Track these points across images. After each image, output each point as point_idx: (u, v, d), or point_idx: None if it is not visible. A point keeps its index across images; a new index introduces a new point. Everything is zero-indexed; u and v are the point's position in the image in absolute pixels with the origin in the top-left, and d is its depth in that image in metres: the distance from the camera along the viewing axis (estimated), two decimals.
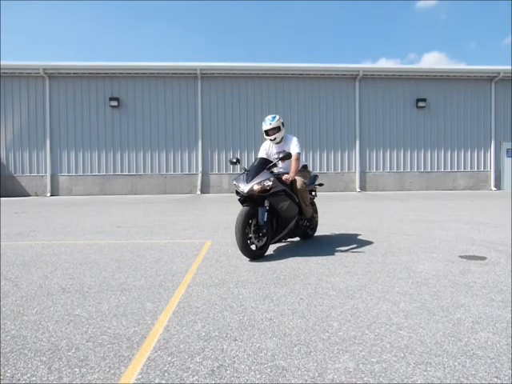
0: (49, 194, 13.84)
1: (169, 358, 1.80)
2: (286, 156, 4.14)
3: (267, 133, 4.44)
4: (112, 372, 1.68)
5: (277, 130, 4.41)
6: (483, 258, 3.74)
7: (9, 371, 1.70)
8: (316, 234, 5.08)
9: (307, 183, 4.40)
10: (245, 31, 67.67)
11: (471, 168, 14.91)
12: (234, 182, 4.01)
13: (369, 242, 4.59)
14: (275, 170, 4.41)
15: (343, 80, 14.49)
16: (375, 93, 14.56)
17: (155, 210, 8.67)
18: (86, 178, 14.02)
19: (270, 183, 3.81)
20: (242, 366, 1.71)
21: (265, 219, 3.80)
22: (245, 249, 3.68)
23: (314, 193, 5.00)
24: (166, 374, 1.67)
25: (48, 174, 13.86)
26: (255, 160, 4.16)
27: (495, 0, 52.41)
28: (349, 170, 14.61)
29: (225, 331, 2.09)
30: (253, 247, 3.79)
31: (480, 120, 14.84)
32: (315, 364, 1.73)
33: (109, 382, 1.61)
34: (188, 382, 1.60)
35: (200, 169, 14.20)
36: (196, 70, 13.81)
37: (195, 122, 14.19)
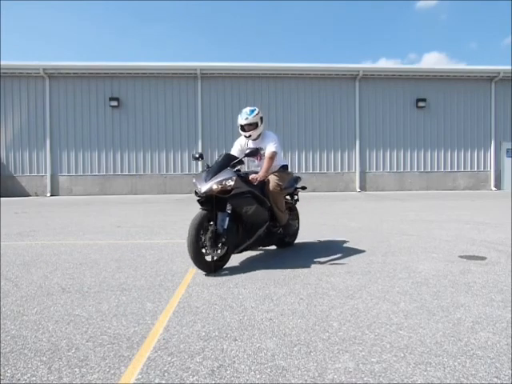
0: (49, 194, 13.84)
1: (169, 358, 1.80)
2: (253, 152, 3.64)
3: (243, 128, 3.93)
4: (112, 372, 1.68)
5: (254, 126, 3.90)
6: (483, 258, 3.74)
7: (9, 371, 1.70)
8: (315, 239, 5.07)
9: (282, 185, 3.85)
10: (245, 31, 67.68)
11: (471, 168, 14.90)
12: (194, 180, 3.50)
13: (368, 243, 4.59)
14: (254, 168, 4.08)
15: (343, 80, 14.48)
16: (375, 93, 14.56)
17: (155, 210, 8.68)
18: (86, 177, 14.02)
19: (232, 183, 3.30)
20: (242, 366, 1.72)
21: (225, 226, 3.28)
22: (197, 260, 3.18)
23: (296, 197, 4.49)
24: (166, 374, 1.67)
25: (48, 174, 13.86)
26: (220, 155, 3.69)
27: (495, 0, 52.42)
28: (349, 169, 14.61)
29: (225, 331, 2.10)
30: (208, 258, 3.28)
31: (480, 120, 14.84)
32: (315, 364, 1.73)
33: (109, 382, 1.61)
34: (188, 382, 1.60)
35: (200, 169, 14.20)
36: (196, 70, 13.81)
37: (195, 121, 14.19)
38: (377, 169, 14.68)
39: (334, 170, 14.56)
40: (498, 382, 1.58)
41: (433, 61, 63.30)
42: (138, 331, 2.11)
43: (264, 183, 3.77)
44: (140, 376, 1.65)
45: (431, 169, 14.80)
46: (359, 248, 4.25)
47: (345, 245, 4.47)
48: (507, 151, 14.85)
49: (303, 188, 4.56)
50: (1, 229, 5.92)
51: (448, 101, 14.74)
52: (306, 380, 1.60)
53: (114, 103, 13.81)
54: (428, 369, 1.68)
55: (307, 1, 60.23)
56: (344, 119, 14.53)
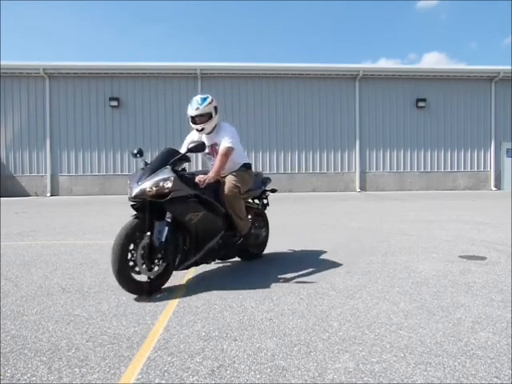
0: (49, 194, 13.83)
1: (169, 358, 1.80)
2: (198, 147, 3.01)
3: (194, 120, 3.36)
4: (112, 372, 1.68)
5: (207, 117, 3.32)
6: (483, 258, 3.74)
7: (9, 371, 1.70)
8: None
9: (241, 187, 3.25)
10: (245, 31, 67.67)
11: (471, 168, 14.90)
12: (128, 181, 2.91)
13: (368, 243, 4.59)
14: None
15: (343, 80, 14.48)
16: (375, 93, 14.55)
17: None
18: (86, 177, 14.02)
19: (170, 184, 2.73)
20: (242, 366, 1.72)
21: (162, 238, 2.71)
22: (124, 281, 2.60)
23: (265, 201, 3.93)
24: (166, 374, 1.67)
25: (48, 174, 13.85)
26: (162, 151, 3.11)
27: (495, 0, 52.42)
28: (349, 169, 14.60)
29: (225, 331, 2.10)
30: (140, 278, 2.69)
31: (480, 120, 14.83)
32: (315, 364, 1.73)
33: (109, 382, 1.61)
34: (188, 382, 1.60)
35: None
36: (196, 70, 13.80)
37: None
38: (377, 169, 14.68)
39: (334, 170, 14.56)
40: (498, 382, 1.59)
41: (433, 61, 63.28)
42: (138, 331, 2.11)
43: (219, 185, 3.21)
44: (140, 376, 1.65)
45: (431, 169, 14.80)
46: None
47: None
48: (507, 151, 14.85)
49: (273, 191, 3.97)
50: (1, 229, 5.92)
51: (448, 101, 14.73)
52: (305, 380, 1.60)
53: (114, 103, 13.80)
54: (428, 369, 1.68)
55: (307, 1, 60.27)
56: (344, 119, 14.52)
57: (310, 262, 3.68)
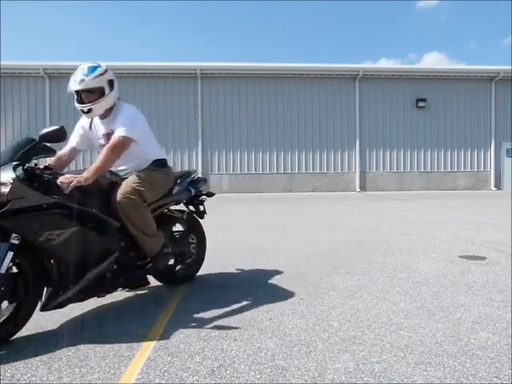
0: None
1: (169, 358, 1.80)
2: (52, 134, 2.10)
3: (80, 98, 2.47)
4: (112, 372, 1.68)
5: (97, 94, 2.43)
6: (483, 258, 3.74)
7: (9, 371, 1.70)
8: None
9: (147, 193, 2.40)
10: (245, 31, 67.68)
11: (471, 168, 14.90)
12: None
13: (368, 243, 4.59)
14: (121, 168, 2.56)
15: (343, 80, 14.48)
16: (375, 93, 14.55)
17: None
18: None
19: (6, 190, 1.90)
20: (242, 366, 1.72)
21: (3, 270, 1.90)
22: None
23: (201, 207, 3.06)
24: (165, 374, 1.67)
25: None
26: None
27: (495, 0, 52.44)
28: (349, 169, 14.60)
29: (225, 331, 2.10)
30: None
31: (480, 120, 14.83)
32: (315, 364, 1.73)
33: (109, 381, 1.61)
34: (188, 382, 1.60)
35: (200, 169, 14.21)
36: (196, 70, 13.80)
37: (195, 121, 14.18)
38: (377, 169, 14.68)
39: (334, 169, 14.56)
40: (498, 382, 1.59)
41: (433, 61, 63.26)
42: (138, 331, 2.11)
43: (113, 188, 2.38)
44: (140, 376, 1.65)
45: (431, 169, 14.80)
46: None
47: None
48: (507, 151, 14.85)
49: (209, 194, 3.16)
50: None
51: (448, 101, 14.73)
52: (305, 380, 1.60)
53: None
54: (428, 369, 1.68)
55: (307, 1, 60.32)
56: (344, 119, 14.52)
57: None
